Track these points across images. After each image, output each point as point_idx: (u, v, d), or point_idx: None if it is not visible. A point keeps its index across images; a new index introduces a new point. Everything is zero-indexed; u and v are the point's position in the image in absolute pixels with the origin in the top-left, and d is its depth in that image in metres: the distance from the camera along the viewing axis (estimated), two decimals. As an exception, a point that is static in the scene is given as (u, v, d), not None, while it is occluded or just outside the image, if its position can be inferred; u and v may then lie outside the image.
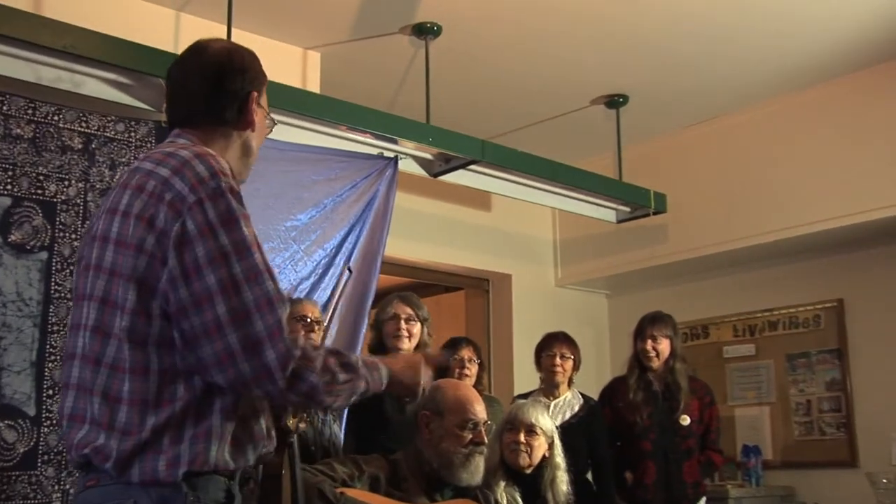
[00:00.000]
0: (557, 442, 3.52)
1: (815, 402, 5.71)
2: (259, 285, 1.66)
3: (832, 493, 5.38)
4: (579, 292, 6.75)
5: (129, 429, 1.65)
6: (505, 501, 3.27)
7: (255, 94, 1.92)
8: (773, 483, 5.69)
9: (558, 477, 3.44)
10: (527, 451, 3.42)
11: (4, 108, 3.22)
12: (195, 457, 1.66)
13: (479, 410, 3.04)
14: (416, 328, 3.81)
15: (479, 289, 6.60)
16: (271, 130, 2.03)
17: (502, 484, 3.33)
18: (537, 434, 3.45)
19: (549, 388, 4.44)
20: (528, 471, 3.43)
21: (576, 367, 4.47)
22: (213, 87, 1.88)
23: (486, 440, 3.03)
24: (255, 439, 1.77)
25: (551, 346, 4.47)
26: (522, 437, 3.44)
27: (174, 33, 4.23)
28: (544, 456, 3.46)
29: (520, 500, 3.34)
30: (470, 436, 2.97)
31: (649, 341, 4.49)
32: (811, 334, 5.79)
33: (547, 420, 3.56)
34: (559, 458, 3.48)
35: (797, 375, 5.82)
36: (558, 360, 4.40)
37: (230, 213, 1.67)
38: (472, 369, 4.25)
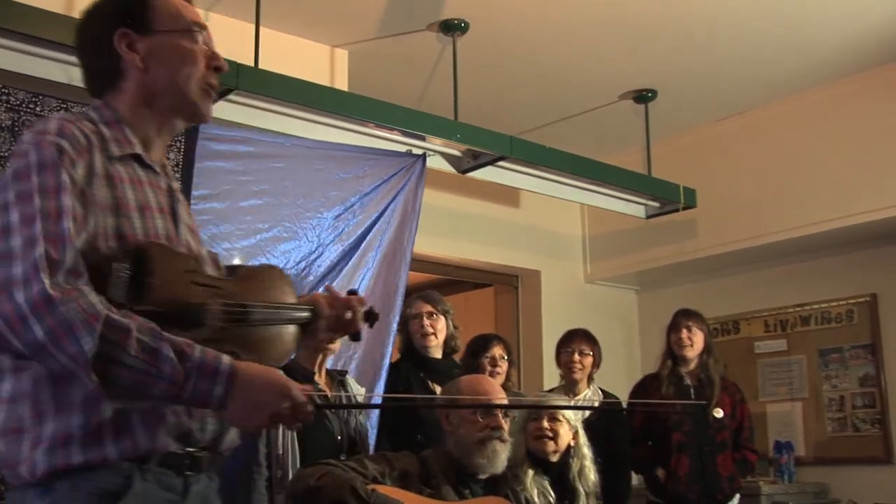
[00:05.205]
0: (582, 432, 3.49)
1: (849, 397, 5.65)
2: (27, 228, 1.46)
3: (866, 490, 5.31)
4: (608, 288, 6.72)
5: None
6: (535, 491, 3.25)
7: (122, 30, 1.68)
8: (805, 479, 5.63)
9: (586, 466, 3.42)
10: (552, 438, 3.39)
11: (37, 108, 3.25)
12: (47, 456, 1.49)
13: (493, 394, 3.02)
14: (441, 322, 3.98)
15: (509, 285, 6.59)
16: (201, 42, 1.71)
17: (531, 473, 3.30)
18: (560, 421, 3.42)
19: (569, 385, 4.44)
20: (555, 458, 3.40)
21: (596, 365, 4.45)
22: (82, 54, 1.75)
23: (503, 425, 2.99)
24: (146, 423, 1.51)
25: (570, 342, 4.46)
26: (546, 424, 3.40)
27: (203, 33, 4.25)
28: (570, 446, 3.43)
29: (549, 488, 3.31)
30: (484, 420, 2.95)
31: (684, 331, 4.47)
32: (844, 329, 5.73)
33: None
34: (586, 448, 3.46)
35: (830, 371, 5.76)
36: (576, 357, 4.40)
37: (27, 166, 1.51)
38: (503, 367, 4.19)
